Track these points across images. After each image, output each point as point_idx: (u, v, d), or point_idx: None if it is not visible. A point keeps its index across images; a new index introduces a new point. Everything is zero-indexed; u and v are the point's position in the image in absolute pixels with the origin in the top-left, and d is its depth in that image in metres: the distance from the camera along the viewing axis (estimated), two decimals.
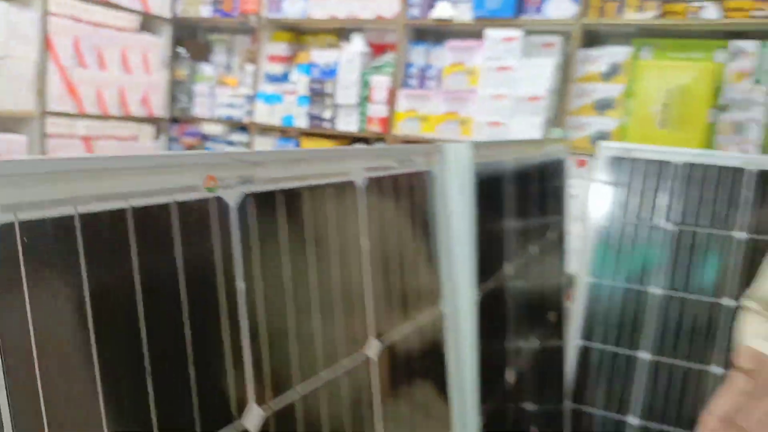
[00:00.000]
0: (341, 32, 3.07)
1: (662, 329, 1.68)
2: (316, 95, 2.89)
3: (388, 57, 2.85)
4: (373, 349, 0.63)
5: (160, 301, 0.40)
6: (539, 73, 2.46)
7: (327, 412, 0.56)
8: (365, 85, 2.81)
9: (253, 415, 0.47)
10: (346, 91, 2.83)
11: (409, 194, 0.72)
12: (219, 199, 0.45)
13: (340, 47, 2.97)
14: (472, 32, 2.64)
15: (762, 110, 2.16)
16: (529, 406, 1.23)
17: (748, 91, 2.18)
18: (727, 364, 1.40)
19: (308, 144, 2.93)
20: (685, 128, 2.22)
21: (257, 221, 0.48)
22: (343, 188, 0.59)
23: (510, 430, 1.03)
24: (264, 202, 0.49)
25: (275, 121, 3.01)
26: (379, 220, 0.65)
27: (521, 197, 1.08)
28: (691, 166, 1.71)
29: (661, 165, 1.74)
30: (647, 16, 2.30)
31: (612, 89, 2.40)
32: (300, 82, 2.93)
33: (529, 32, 2.53)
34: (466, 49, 2.65)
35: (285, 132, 3.07)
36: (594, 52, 2.45)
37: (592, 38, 2.63)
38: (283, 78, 3.05)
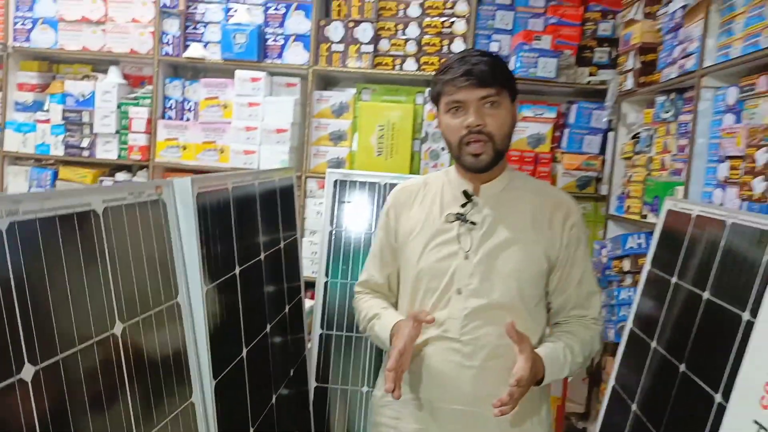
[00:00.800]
0: (96, 63, 3.09)
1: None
2: (72, 124, 2.88)
3: (146, 89, 2.97)
4: (118, 328, 0.87)
5: None
6: (283, 108, 2.81)
7: (84, 370, 0.79)
8: (124, 115, 2.89)
9: (27, 370, 0.69)
10: (103, 120, 2.88)
11: (143, 218, 0.97)
12: None
13: (96, 78, 3.00)
14: (224, 71, 2.91)
15: None
16: (271, 382, 1.52)
17: (437, 127, 2.78)
18: None
19: (66, 172, 2.90)
20: (396, 156, 2.76)
21: (21, 241, 0.70)
22: (87, 215, 0.82)
23: (248, 397, 1.31)
24: (26, 227, 0.71)
25: (28, 149, 2.92)
26: (117, 237, 0.89)
27: (246, 216, 1.38)
28: (391, 185, 2.19)
29: (371, 185, 2.20)
30: (363, 65, 2.80)
31: (342, 124, 2.85)
32: (54, 111, 2.90)
33: (272, 73, 2.88)
34: (219, 86, 2.90)
35: (40, 161, 2.99)
36: (326, 93, 2.88)
37: (328, 80, 3.08)
38: (35, 106, 2.97)
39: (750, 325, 1.09)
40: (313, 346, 2.17)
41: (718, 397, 1.19)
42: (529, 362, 1.17)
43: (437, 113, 1.35)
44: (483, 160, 1.26)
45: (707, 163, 1.79)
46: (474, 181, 1.34)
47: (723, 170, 1.66)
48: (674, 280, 1.56)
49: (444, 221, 1.33)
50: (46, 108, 2.94)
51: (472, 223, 1.30)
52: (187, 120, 2.94)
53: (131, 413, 0.88)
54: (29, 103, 2.96)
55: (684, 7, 1.91)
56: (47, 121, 2.90)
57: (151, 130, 2.88)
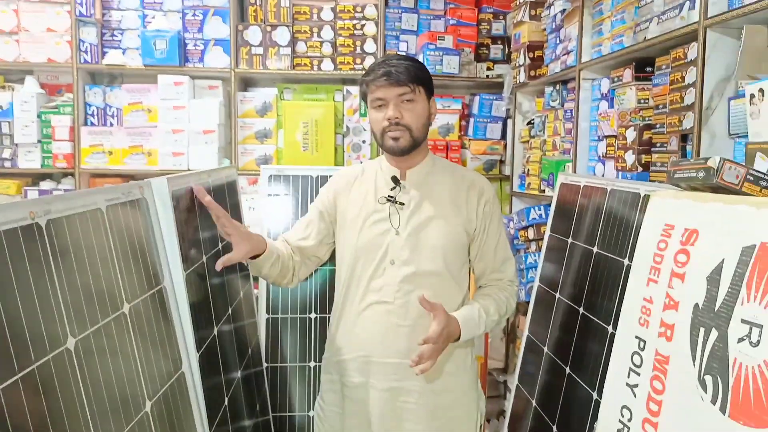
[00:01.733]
0: (7, 73, 3.01)
1: (324, 293, 2.28)
2: None
3: (66, 97, 2.94)
4: (126, 308, 1.00)
5: None
6: (208, 110, 2.89)
7: (107, 343, 0.91)
8: (45, 124, 2.85)
9: (70, 341, 0.81)
10: (24, 130, 2.82)
11: (133, 214, 1.09)
12: (37, 224, 0.78)
13: (12, 88, 2.93)
14: (145, 76, 2.93)
15: (367, 134, 2.98)
16: (237, 359, 1.66)
17: (357, 121, 2.98)
18: None
19: None
20: (321, 150, 2.92)
21: (56, 233, 0.82)
22: (96, 212, 0.95)
23: (222, 371, 1.45)
24: (59, 223, 0.83)
25: None
26: (118, 229, 1.02)
27: (206, 210, 1.50)
28: (322, 177, 2.36)
29: (303, 178, 2.36)
30: (283, 66, 2.93)
31: (267, 123, 2.97)
32: None
33: (195, 77, 2.94)
34: (142, 91, 2.92)
35: None
36: (248, 93, 2.99)
37: (248, 81, 3.18)
38: None
39: (629, 269, 1.36)
40: (260, 331, 2.30)
41: (610, 329, 1.48)
42: (440, 325, 1.37)
43: (368, 109, 1.54)
44: (401, 143, 1.46)
45: (589, 142, 2.10)
46: (401, 167, 1.54)
47: (602, 147, 1.97)
48: (570, 240, 1.85)
49: (377, 203, 1.52)
50: None
51: (401, 203, 1.50)
52: (111, 126, 2.94)
53: (142, 379, 1.01)
54: None
55: (563, 11, 2.21)
56: None
57: (74, 137, 2.86)
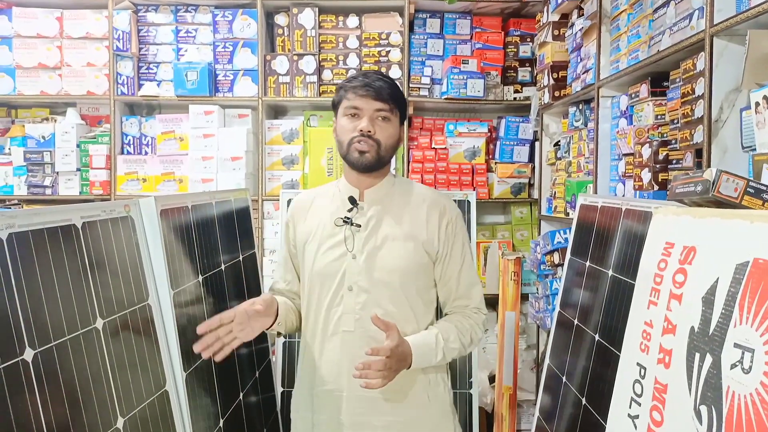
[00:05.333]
0: (53, 106, 3.19)
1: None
2: (34, 165, 2.97)
3: (104, 128, 3.08)
4: (99, 323, 1.01)
5: None
6: (236, 138, 2.97)
7: (73, 357, 0.93)
8: (84, 153, 3.00)
9: (28, 353, 0.83)
10: (64, 159, 2.97)
11: (115, 231, 1.11)
12: None
13: (55, 120, 3.10)
14: (178, 106, 3.05)
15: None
16: (238, 381, 1.66)
17: None
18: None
19: None
20: None
21: (17, 247, 0.84)
22: (69, 228, 0.97)
23: (217, 391, 1.45)
24: (22, 237, 0.86)
25: None
26: (94, 246, 1.04)
27: (206, 231, 1.53)
28: None
29: None
30: (309, 94, 2.99)
31: (293, 149, 3.02)
32: (15, 153, 2.98)
33: (224, 106, 3.04)
34: (174, 120, 3.04)
35: (3, 201, 3.05)
36: (276, 121, 3.06)
37: (278, 109, 3.25)
38: None
39: None
40: (277, 355, 2.30)
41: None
42: (393, 343, 1.27)
43: (335, 118, 1.46)
44: (367, 157, 1.37)
45: (610, 161, 2.02)
46: (360, 186, 1.44)
47: (621, 166, 1.89)
48: (588, 264, 1.77)
49: (334, 225, 1.44)
50: (6, 151, 3.02)
51: (357, 225, 1.41)
52: (146, 154, 3.06)
53: (114, 397, 1.02)
54: None
55: (582, 29, 2.17)
56: (9, 163, 2.98)
57: (111, 165, 2.99)
